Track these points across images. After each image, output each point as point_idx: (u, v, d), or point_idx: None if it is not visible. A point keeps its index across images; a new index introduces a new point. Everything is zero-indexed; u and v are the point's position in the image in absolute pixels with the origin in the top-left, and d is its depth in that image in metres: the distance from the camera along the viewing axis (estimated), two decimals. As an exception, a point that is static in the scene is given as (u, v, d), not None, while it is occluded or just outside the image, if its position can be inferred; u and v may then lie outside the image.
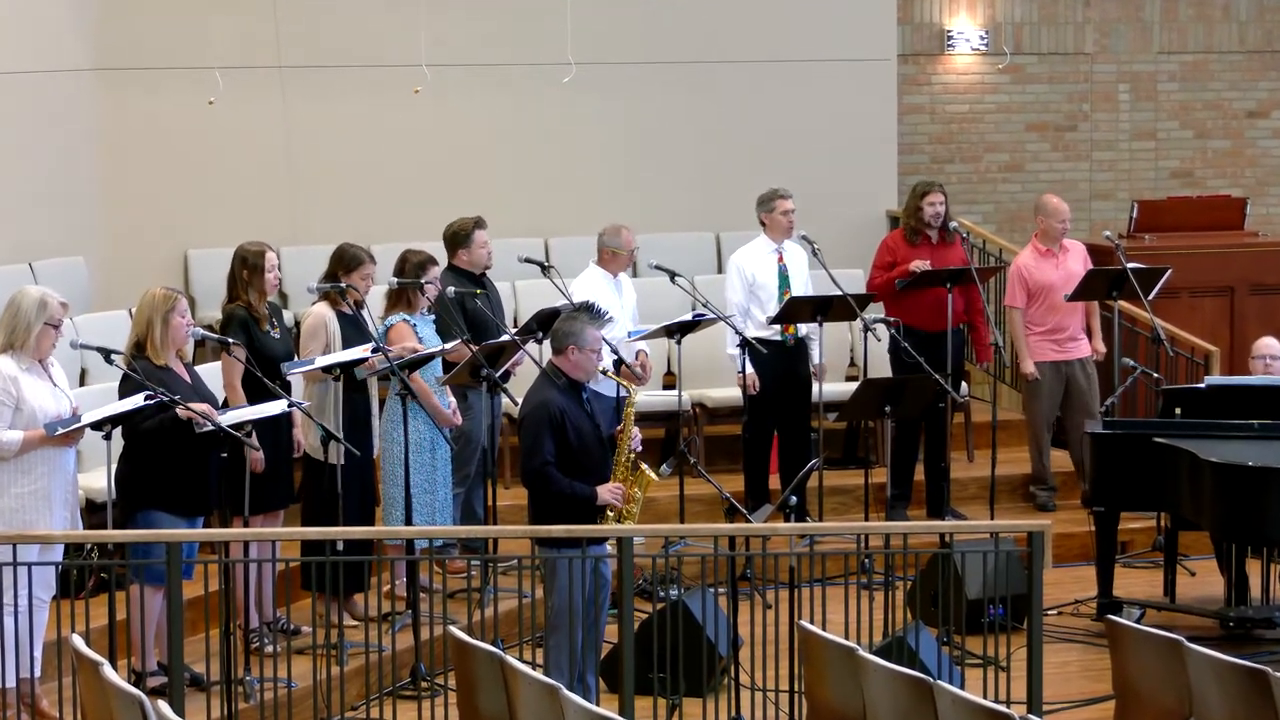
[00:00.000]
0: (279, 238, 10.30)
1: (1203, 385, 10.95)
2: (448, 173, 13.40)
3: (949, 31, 15.14)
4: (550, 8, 13.39)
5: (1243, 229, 14.21)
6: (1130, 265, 11.73)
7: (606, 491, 8.78)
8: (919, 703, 6.82)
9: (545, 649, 8.87)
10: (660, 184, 13.86)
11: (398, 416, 9.82)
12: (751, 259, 11.80)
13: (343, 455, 9.37)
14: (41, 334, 8.66)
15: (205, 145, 13.09)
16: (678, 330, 11.05)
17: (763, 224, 11.89)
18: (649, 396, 11.90)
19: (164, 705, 6.48)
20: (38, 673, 8.63)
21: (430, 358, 9.92)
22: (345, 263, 9.98)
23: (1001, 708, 6.69)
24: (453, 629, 7.77)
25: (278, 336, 9.75)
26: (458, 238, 10.92)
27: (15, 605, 8.36)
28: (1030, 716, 8.48)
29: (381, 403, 10.16)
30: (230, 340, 9.39)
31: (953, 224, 12.11)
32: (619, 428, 9.01)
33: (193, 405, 8.73)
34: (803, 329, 11.71)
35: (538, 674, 7.13)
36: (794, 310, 11.47)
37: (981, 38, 15.16)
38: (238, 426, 8.76)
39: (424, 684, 9.17)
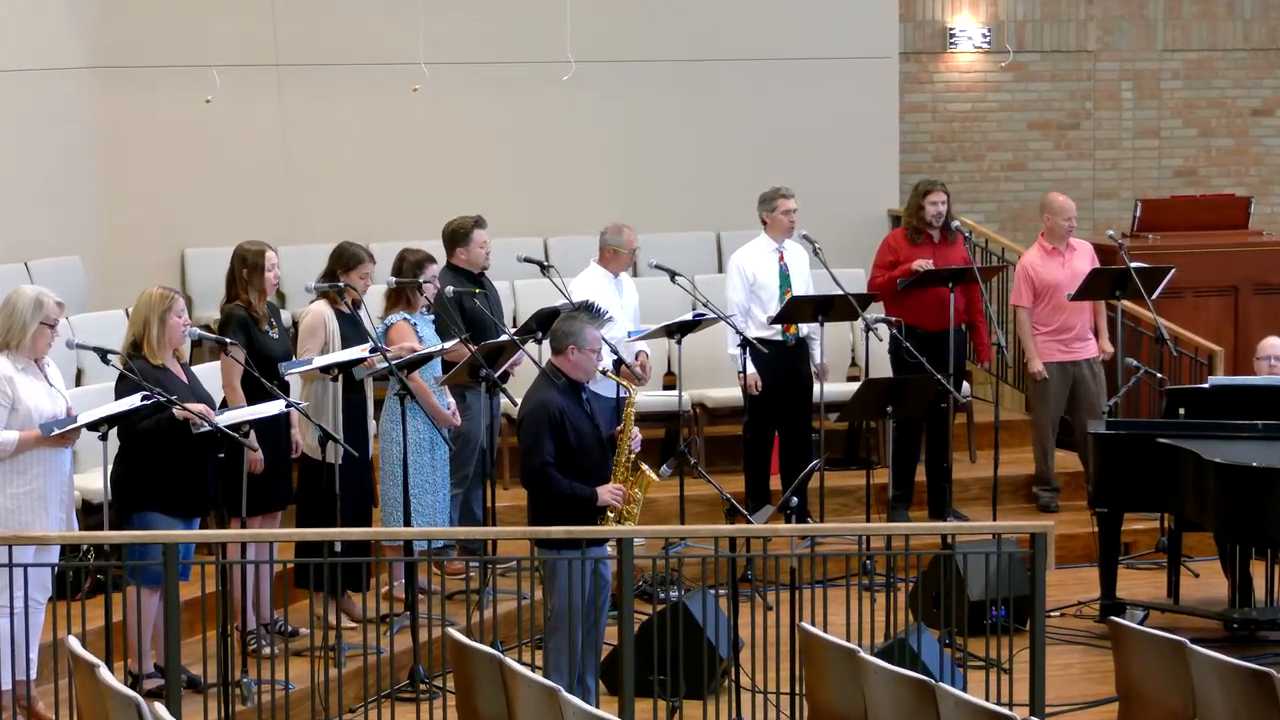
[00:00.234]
0: (277, 237, 10.28)
1: (1206, 385, 10.94)
2: (446, 172, 13.39)
3: (951, 29, 15.12)
4: (550, 6, 13.36)
5: (1247, 228, 14.19)
6: (1133, 265, 11.71)
7: (607, 492, 8.76)
8: (921, 705, 6.81)
9: (545, 651, 8.86)
10: (660, 183, 13.84)
11: (396, 416, 9.80)
12: (752, 258, 11.78)
13: (341, 456, 9.33)
14: (37, 333, 8.65)
15: (203, 144, 13.08)
16: (678, 330, 11.04)
17: (764, 223, 11.86)
18: (649, 397, 11.90)
19: (161, 707, 6.46)
20: (34, 675, 8.61)
21: (429, 357, 9.89)
22: (344, 262, 9.96)
23: (1004, 710, 6.67)
24: (451, 631, 7.75)
25: (276, 337, 9.73)
26: (456, 236, 10.90)
27: (11, 607, 8.36)
28: (1033, 719, 8.46)
29: (378, 403, 10.14)
30: (228, 340, 9.36)
31: (955, 223, 12.07)
32: (619, 428, 9.00)
33: (190, 405, 8.70)
34: (804, 329, 11.68)
35: (537, 676, 7.12)
36: (795, 310, 11.45)
37: (984, 35, 15.14)
38: (235, 427, 8.74)
39: (422, 686, 9.15)
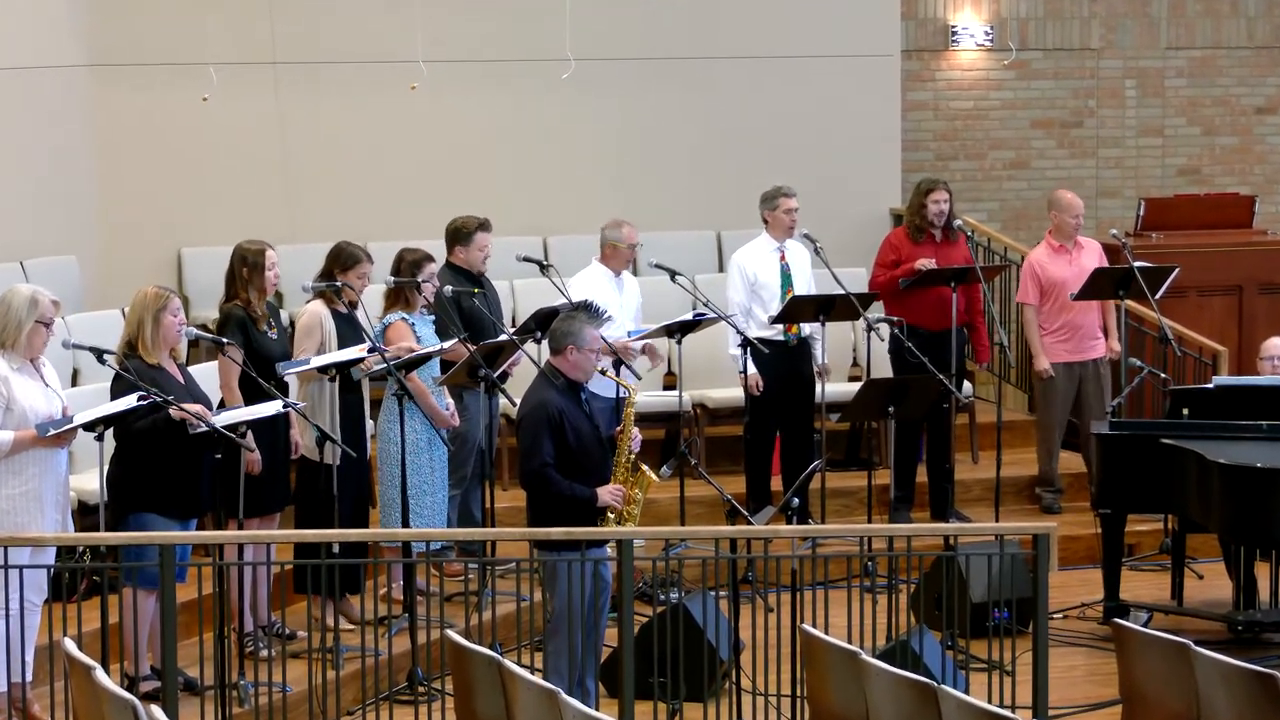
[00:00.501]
0: (274, 236, 10.25)
1: (1210, 385, 10.91)
2: (445, 171, 13.37)
3: (953, 27, 15.09)
4: (549, 4, 13.35)
5: (1251, 227, 14.20)
6: (1137, 264, 11.69)
7: (607, 493, 8.75)
8: (922, 707, 6.80)
9: (544, 653, 8.84)
10: (660, 182, 13.82)
11: (394, 416, 9.77)
12: (753, 258, 11.75)
13: (338, 456, 9.28)
14: (33, 333, 8.62)
15: (200, 143, 13.07)
16: (678, 330, 11.03)
17: (765, 222, 11.83)
18: (649, 397, 11.89)
19: (157, 710, 6.45)
20: (29, 677, 8.60)
21: (428, 357, 9.85)
22: (342, 261, 9.93)
23: (1006, 713, 6.69)
24: (450, 633, 7.74)
25: (275, 337, 9.70)
26: (459, 235, 10.88)
27: (6, 609, 8.33)
28: (1036, 721, 8.45)
29: (375, 403, 10.10)
30: (224, 340, 9.33)
31: (957, 222, 12.03)
32: (618, 428, 8.98)
33: (186, 406, 8.67)
34: (806, 329, 11.65)
35: (536, 678, 7.13)
36: (796, 309, 11.42)
37: (986, 33, 15.11)
38: (232, 428, 8.72)
39: (421, 689, 9.12)
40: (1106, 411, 11.55)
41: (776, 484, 11.70)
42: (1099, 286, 11.82)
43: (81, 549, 8.95)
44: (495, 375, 9.95)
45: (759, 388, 11.46)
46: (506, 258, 11.37)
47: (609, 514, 8.77)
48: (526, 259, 10.81)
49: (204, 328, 9.93)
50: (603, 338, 9.03)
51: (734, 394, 11.96)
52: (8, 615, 8.33)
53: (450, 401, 10.27)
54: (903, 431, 11.62)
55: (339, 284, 9.79)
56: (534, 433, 8.65)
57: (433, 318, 10.30)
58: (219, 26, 13.05)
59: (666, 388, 12.48)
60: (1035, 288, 12.09)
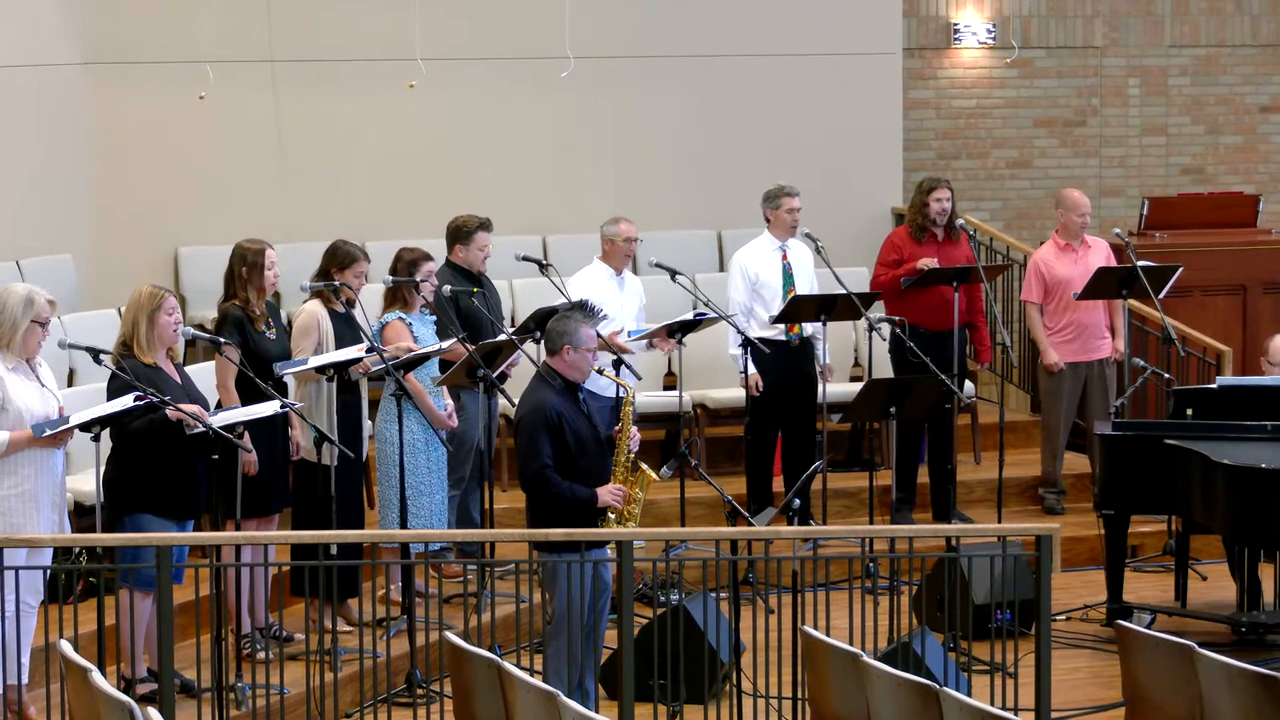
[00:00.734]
0: (272, 235, 10.23)
1: (1214, 386, 10.88)
2: (443, 169, 13.36)
3: (955, 25, 15.07)
4: (548, 2, 13.32)
5: (1255, 226, 14.19)
6: (1140, 263, 11.65)
7: (607, 493, 8.74)
8: (925, 710, 6.81)
9: (544, 655, 8.82)
10: (660, 181, 13.80)
11: (392, 416, 9.73)
12: (755, 257, 11.72)
13: (336, 458, 9.24)
14: (28, 332, 8.60)
15: (196, 141, 13.06)
16: (679, 329, 11.00)
17: (767, 220, 11.80)
18: (649, 397, 11.88)
19: (154, 712, 6.46)
20: (25, 679, 8.58)
21: (426, 358, 9.81)
22: (339, 260, 9.90)
23: (1009, 715, 6.72)
24: (449, 634, 7.73)
25: (274, 337, 9.67)
26: (459, 233, 10.85)
27: (2, 610, 8.31)
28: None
29: (373, 404, 10.07)
30: (221, 340, 9.29)
31: (959, 221, 12.00)
32: (617, 428, 8.96)
33: (183, 406, 8.64)
34: (808, 328, 11.61)
35: (535, 680, 7.14)
36: (797, 309, 11.38)
37: (989, 31, 15.09)
38: (229, 428, 8.69)
39: (419, 691, 9.11)
40: (1110, 411, 11.51)
41: (777, 485, 11.69)
42: (1102, 286, 11.79)
43: (78, 550, 9.00)
44: (494, 376, 9.91)
45: (759, 388, 11.42)
46: (505, 257, 11.36)
47: (609, 514, 8.75)
48: (525, 258, 10.80)
49: (201, 327, 9.92)
50: (598, 334, 8.99)
51: (735, 394, 11.93)
52: (3, 617, 8.30)
53: (449, 402, 10.23)
54: (904, 432, 11.59)
55: (337, 284, 9.75)
56: (532, 435, 8.63)
57: (434, 317, 10.27)
58: (215, 24, 13.05)
59: (667, 388, 12.49)
60: (1039, 285, 12.05)
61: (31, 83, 12.27)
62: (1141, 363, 11.40)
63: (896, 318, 11.48)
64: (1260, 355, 11.32)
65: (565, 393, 8.71)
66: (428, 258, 10.23)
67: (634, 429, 8.94)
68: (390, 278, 10.14)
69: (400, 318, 10.06)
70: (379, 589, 10.17)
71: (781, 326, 11.56)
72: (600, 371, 9.14)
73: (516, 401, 9.04)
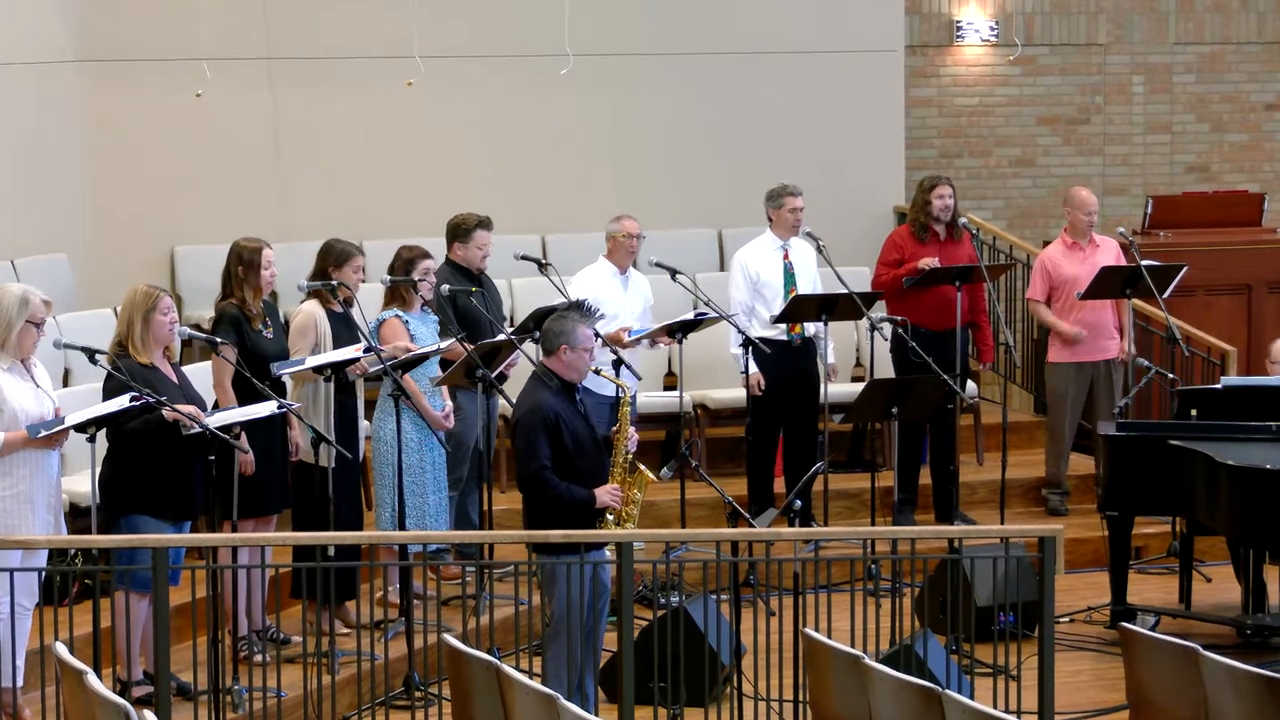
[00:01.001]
0: (269, 234, 10.21)
1: (1219, 386, 10.87)
2: (442, 168, 13.34)
3: (958, 22, 15.06)
4: (547, -1, 13.28)
5: (1260, 225, 14.17)
6: (1145, 262, 11.62)
7: (605, 493, 8.72)
8: (927, 713, 6.80)
9: (543, 657, 8.81)
10: (661, 179, 13.78)
11: (389, 415, 9.69)
12: (756, 256, 11.69)
13: (333, 458, 9.20)
14: (23, 332, 8.58)
15: (193, 139, 13.07)
16: (679, 329, 10.96)
17: (770, 219, 11.76)
18: (649, 398, 11.86)
19: (150, 715, 6.54)
20: (20, 682, 8.55)
21: (424, 358, 9.76)
22: (334, 258, 9.87)
23: (1012, 718, 6.60)
24: (447, 637, 7.72)
25: (271, 336, 9.63)
26: (458, 231, 10.83)
27: (-4, 612, 8.26)
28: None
29: (370, 404, 10.04)
30: (218, 340, 9.25)
31: (961, 220, 11.95)
32: (615, 428, 8.95)
33: (179, 406, 8.61)
34: (810, 328, 11.57)
35: (534, 683, 7.12)
36: (798, 309, 11.35)
37: (991, 28, 15.08)
38: (226, 429, 8.66)
39: (418, 693, 9.10)
40: (1114, 412, 11.48)
41: (779, 486, 11.67)
42: (1106, 285, 11.75)
43: (73, 552, 9.02)
44: (493, 376, 9.86)
45: (760, 388, 11.38)
46: (505, 256, 11.34)
47: (608, 515, 8.72)
48: (524, 257, 10.78)
49: (197, 327, 9.90)
50: (596, 332, 8.96)
51: (735, 394, 11.91)
52: (-2, 619, 8.29)
53: (448, 403, 10.19)
54: (906, 432, 11.55)
55: (335, 283, 9.71)
56: (530, 435, 8.61)
57: (435, 317, 10.23)
58: (211, 21, 13.05)
59: (667, 388, 12.48)
60: (1044, 283, 12.02)
61: (27, 80, 12.26)
62: (1146, 363, 11.38)
63: (898, 317, 11.44)
64: (1265, 355, 11.29)
65: (562, 393, 8.68)
66: (426, 256, 10.20)
67: (632, 429, 8.93)
68: (389, 276, 10.10)
69: (397, 315, 10.02)
70: (377, 590, 10.14)
71: (783, 326, 11.53)
72: (598, 372, 9.11)
73: (514, 402, 9.01)
